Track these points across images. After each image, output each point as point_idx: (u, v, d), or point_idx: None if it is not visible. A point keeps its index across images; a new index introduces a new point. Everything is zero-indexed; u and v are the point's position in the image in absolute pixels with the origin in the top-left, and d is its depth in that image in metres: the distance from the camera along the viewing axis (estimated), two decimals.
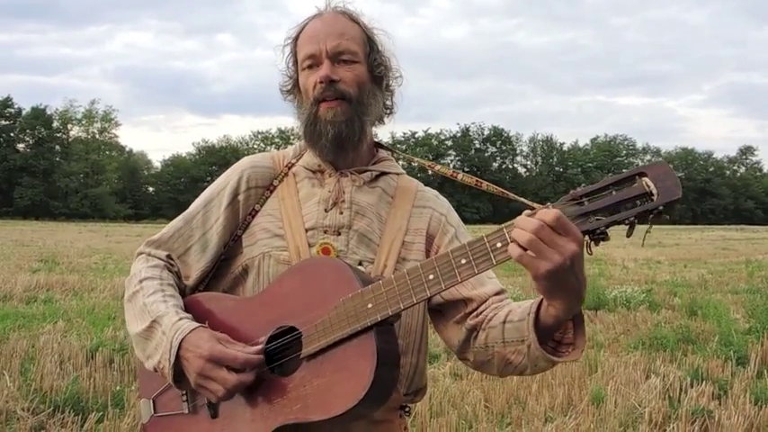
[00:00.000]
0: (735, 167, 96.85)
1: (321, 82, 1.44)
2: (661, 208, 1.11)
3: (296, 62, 1.52)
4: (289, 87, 1.55)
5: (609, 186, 1.15)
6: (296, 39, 1.52)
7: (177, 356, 1.34)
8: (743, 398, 4.76)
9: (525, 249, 1.15)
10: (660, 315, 8.53)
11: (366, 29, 1.51)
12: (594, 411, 4.56)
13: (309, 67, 1.47)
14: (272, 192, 1.54)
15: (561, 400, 4.76)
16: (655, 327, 7.65)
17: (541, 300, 1.28)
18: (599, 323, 7.95)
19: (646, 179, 1.13)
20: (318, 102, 1.46)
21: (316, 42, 1.46)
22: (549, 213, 1.14)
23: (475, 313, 1.45)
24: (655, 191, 1.12)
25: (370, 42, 1.51)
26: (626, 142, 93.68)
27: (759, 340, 6.60)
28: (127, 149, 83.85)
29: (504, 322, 1.37)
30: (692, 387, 5.06)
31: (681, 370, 5.64)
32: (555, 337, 1.32)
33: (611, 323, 7.93)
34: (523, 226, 1.16)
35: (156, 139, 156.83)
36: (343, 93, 1.45)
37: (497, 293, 1.47)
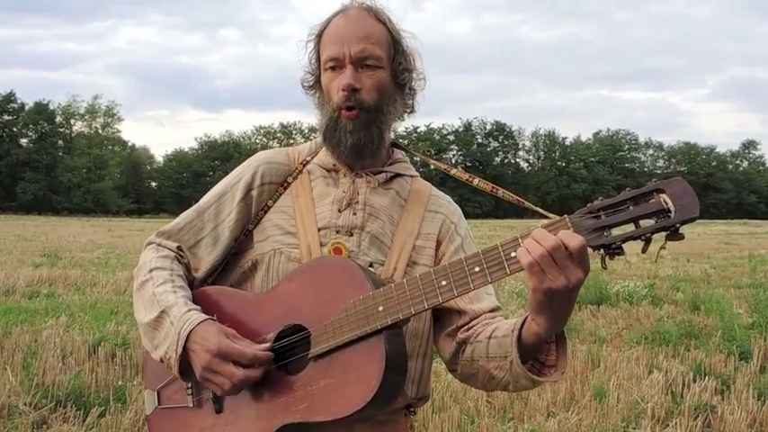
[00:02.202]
0: (738, 162, 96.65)
1: (343, 90, 1.42)
2: (678, 226, 1.11)
3: (318, 59, 1.50)
4: (311, 83, 1.53)
5: (626, 201, 1.15)
6: (319, 35, 1.49)
7: (184, 348, 1.33)
8: (746, 393, 4.75)
9: (537, 262, 1.15)
10: (663, 310, 8.52)
11: (392, 29, 1.48)
12: (597, 406, 4.55)
13: (332, 68, 1.45)
14: (285, 188, 1.53)
15: (564, 395, 4.75)
16: (657, 321, 7.64)
17: (525, 318, 1.29)
18: (601, 318, 7.94)
19: (664, 196, 1.12)
20: (340, 109, 1.44)
21: (340, 44, 1.43)
22: (574, 239, 1.14)
23: (466, 327, 1.46)
24: (672, 208, 1.11)
25: (394, 44, 1.48)
26: (628, 137, 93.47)
27: (762, 335, 6.59)
28: (129, 144, 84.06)
29: (489, 337, 1.38)
30: (694, 382, 5.05)
31: (683, 365, 5.64)
32: (540, 358, 1.32)
33: (614, 318, 7.92)
34: (540, 240, 1.16)
35: (159, 134, 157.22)
36: (363, 103, 1.43)
37: (492, 310, 1.47)
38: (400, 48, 1.49)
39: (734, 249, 21.51)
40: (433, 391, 4.61)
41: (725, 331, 6.84)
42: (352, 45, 1.42)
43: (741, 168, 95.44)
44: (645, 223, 1.14)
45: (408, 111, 1.56)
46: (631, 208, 1.14)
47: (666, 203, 1.12)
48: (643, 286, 9.95)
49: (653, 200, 1.13)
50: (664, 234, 1.13)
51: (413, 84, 1.53)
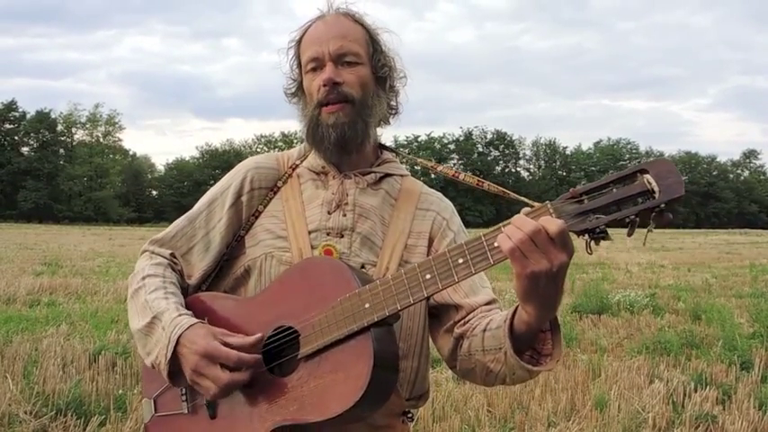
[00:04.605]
0: (738, 171, 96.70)
1: (325, 85, 1.44)
2: (663, 206, 1.09)
3: (299, 65, 1.52)
4: (293, 90, 1.55)
5: (609, 184, 1.13)
6: (299, 41, 1.52)
7: (175, 352, 1.34)
8: (747, 403, 4.74)
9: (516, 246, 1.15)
10: (664, 319, 8.50)
11: (369, 29, 1.51)
12: (598, 416, 4.54)
13: (313, 69, 1.47)
14: (275, 193, 1.54)
15: (564, 404, 4.74)
16: (658, 331, 7.63)
17: (516, 308, 1.28)
18: (602, 327, 7.93)
19: (647, 176, 1.11)
20: (321, 105, 1.45)
21: (318, 45, 1.46)
22: (553, 224, 1.13)
23: (462, 321, 1.46)
24: (656, 188, 1.09)
25: (373, 43, 1.50)
26: (629, 146, 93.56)
27: (763, 345, 6.59)
28: (131, 153, 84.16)
29: (484, 330, 1.38)
30: (695, 392, 5.04)
31: (685, 374, 5.62)
32: (537, 348, 1.32)
33: (615, 327, 7.90)
34: (520, 225, 1.15)
35: (161, 142, 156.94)
36: (347, 95, 1.45)
37: (488, 303, 1.47)
38: (379, 47, 1.51)
39: (735, 259, 21.46)
40: (434, 401, 4.60)
41: (726, 341, 6.83)
42: (331, 43, 1.45)
43: (742, 178, 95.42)
44: (629, 206, 1.11)
45: (393, 112, 1.57)
46: (615, 191, 1.13)
47: (650, 183, 1.10)
48: (644, 296, 9.93)
49: (637, 181, 1.11)
50: (650, 216, 1.10)
51: (394, 83, 1.54)
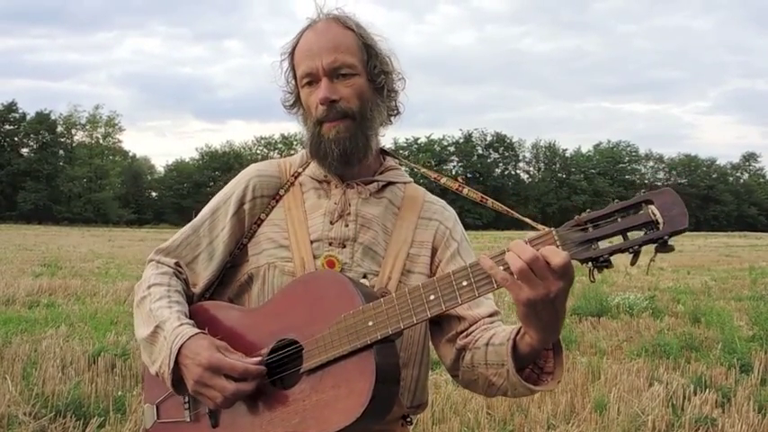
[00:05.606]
0: (738, 174, 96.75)
1: (321, 103, 1.43)
2: (666, 238, 1.09)
3: (295, 76, 1.51)
4: (291, 102, 1.55)
5: (614, 213, 1.14)
6: (292, 53, 1.50)
7: (176, 362, 1.34)
8: (746, 405, 4.74)
9: (513, 275, 1.15)
10: (663, 322, 8.50)
11: (361, 34, 1.48)
12: (597, 419, 4.54)
13: (309, 83, 1.46)
14: (278, 201, 1.54)
15: (564, 407, 4.74)
16: (658, 334, 7.63)
17: (520, 327, 1.29)
18: (602, 330, 7.93)
19: (652, 207, 1.11)
20: (321, 122, 1.45)
21: (311, 59, 1.44)
22: (558, 255, 1.13)
23: (465, 333, 1.46)
24: (660, 219, 1.10)
25: (367, 48, 1.47)
26: (629, 148, 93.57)
27: (762, 347, 6.59)
28: (131, 154, 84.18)
29: (487, 344, 1.38)
30: (695, 394, 5.04)
31: (684, 377, 5.63)
32: (539, 364, 1.32)
33: (614, 330, 7.90)
34: (519, 253, 1.15)
35: (161, 144, 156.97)
36: (345, 111, 1.43)
37: (490, 315, 1.47)
38: (373, 51, 1.48)
39: (734, 261, 21.47)
40: (433, 403, 4.60)
41: (725, 344, 6.84)
42: (323, 57, 1.43)
43: (741, 180, 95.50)
44: (634, 235, 1.12)
45: (393, 113, 1.56)
46: (620, 220, 1.13)
47: (655, 215, 1.10)
48: (643, 298, 9.92)
49: (641, 211, 1.12)
50: (653, 246, 1.11)
51: (392, 85, 1.52)
